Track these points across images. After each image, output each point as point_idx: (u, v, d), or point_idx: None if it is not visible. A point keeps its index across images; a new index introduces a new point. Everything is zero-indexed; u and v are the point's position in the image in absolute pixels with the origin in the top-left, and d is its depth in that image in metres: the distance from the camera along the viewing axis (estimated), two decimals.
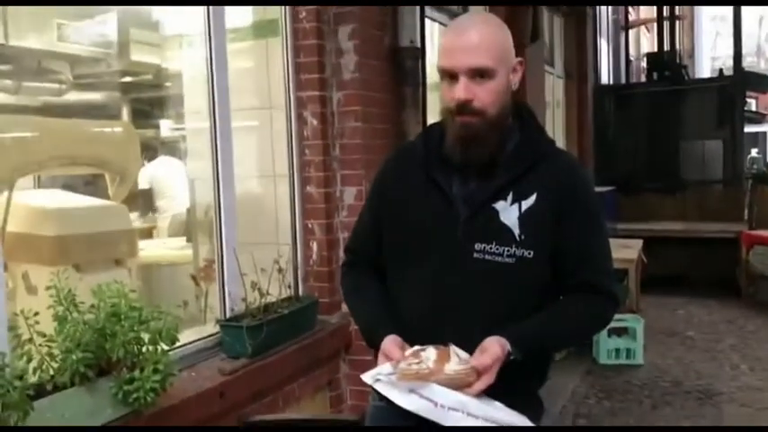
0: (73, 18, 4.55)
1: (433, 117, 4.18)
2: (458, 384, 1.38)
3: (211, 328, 2.90)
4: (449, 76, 1.55)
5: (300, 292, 3.31)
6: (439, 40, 4.94)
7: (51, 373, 1.93)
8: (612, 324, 5.35)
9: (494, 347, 1.44)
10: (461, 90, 1.52)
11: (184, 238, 4.44)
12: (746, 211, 8.29)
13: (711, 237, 7.94)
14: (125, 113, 5.49)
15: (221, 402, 2.46)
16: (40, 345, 1.91)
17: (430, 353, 1.41)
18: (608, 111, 9.72)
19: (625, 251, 6.22)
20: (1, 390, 1.60)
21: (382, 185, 1.77)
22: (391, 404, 1.62)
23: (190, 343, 2.65)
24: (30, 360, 1.87)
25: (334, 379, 3.32)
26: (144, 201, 5.48)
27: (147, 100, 5.74)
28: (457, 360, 1.40)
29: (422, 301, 1.59)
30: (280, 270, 2.98)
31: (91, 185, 4.67)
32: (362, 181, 3.34)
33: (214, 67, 2.88)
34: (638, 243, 6.79)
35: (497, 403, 1.41)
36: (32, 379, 1.85)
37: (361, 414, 2.64)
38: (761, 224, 7.86)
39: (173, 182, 5.34)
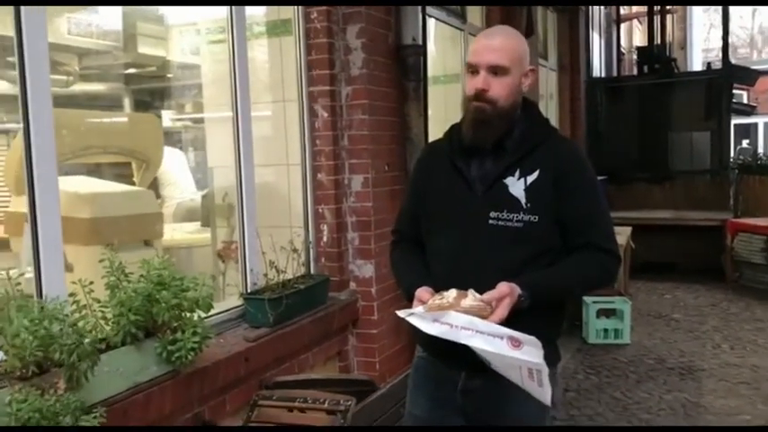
0: (83, 11, 4.75)
1: (433, 109, 4.47)
2: (473, 316, 1.68)
3: (229, 303, 3.18)
4: (472, 70, 1.89)
5: (312, 271, 3.59)
6: (438, 37, 5.23)
7: (103, 335, 2.21)
8: (601, 306, 5.69)
9: (502, 286, 1.75)
10: (480, 80, 1.87)
11: (198, 222, 4.70)
12: (732, 200, 8.59)
13: (698, 225, 8.27)
14: (128, 104, 5.66)
15: (246, 365, 2.75)
16: (94, 310, 2.19)
17: (451, 292, 1.74)
18: (599, 103, 10.00)
19: None
20: (75, 343, 1.88)
21: (417, 176, 2.14)
22: (430, 351, 2.03)
23: (216, 314, 2.93)
24: (86, 323, 2.15)
25: (343, 350, 3.60)
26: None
27: (154, 91, 5.94)
28: (472, 297, 1.72)
29: (450, 261, 1.93)
30: (294, 250, 3.27)
31: (95, 173, 4.92)
32: (368, 169, 3.62)
33: (236, 63, 3.15)
34: (627, 230, 7.10)
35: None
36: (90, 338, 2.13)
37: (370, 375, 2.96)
38: (745, 212, 8.18)
39: (174, 170, 5.56)
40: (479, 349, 1.65)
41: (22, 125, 2.21)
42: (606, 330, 5.74)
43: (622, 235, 6.80)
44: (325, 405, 2.48)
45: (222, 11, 3.22)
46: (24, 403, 1.76)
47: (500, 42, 1.89)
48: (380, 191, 3.70)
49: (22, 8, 2.18)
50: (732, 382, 4.74)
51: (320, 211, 3.65)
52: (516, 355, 1.63)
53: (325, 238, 3.64)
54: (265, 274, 3.09)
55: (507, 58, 1.87)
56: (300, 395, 2.55)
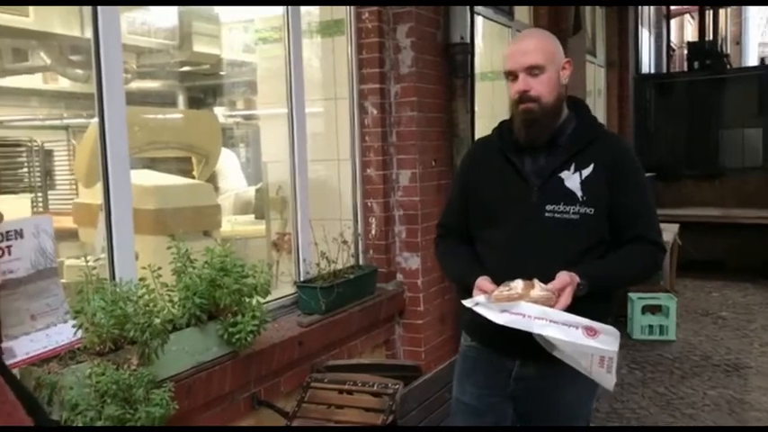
0: (140, 11, 4.93)
1: (480, 106, 4.56)
2: (541, 305, 1.76)
3: (283, 291, 3.34)
4: (511, 76, 1.99)
5: (361, 263, 3.72)
6: (485, 34, 5.30)
7: (170, 317, 2.38)
8: (647, 302, 5.70)
9: (563, 276, 1.84)
10: (520, 83, 1.97)
11: (252, 215, 4.89)
12: None
13: (749, 223, 8.16)
14: (182, 101, 5.82)
15: (300, 349, 2.90)
16: (161, 294, 2.35)
17: (518, 283, 1.81)
18: (648, 99, 9.91)
19: None
20: (147, 322, 2.05)
21: (467, 169, 2.21)
22: (481, 340, 2.11)
23: (271, 300, 3.08)
24: (155, 306, 2.32)
25: (390, 339, 3.73)
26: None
27: (208, 88, 6.13)
28: (540, 288, 1.79)
29: (505, 254, 2.01)
30: (344, 242, 3.41)
31: (153, 167, 5.14)
32: (416, 164, 3.74)
33: (292, 61, 3.31)
34: (674, 227, 7.07)
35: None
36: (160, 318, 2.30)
37: (417, 361, 3.07)
38: None
39: (226, 165, 5.77)
40: (552, 338, 1.72)
41: (97, 120, 2.38)
42: (651, 327, 5.75)
43: (669, 232, 6.77)
44: (374, 388, 2.60)
45: (276, 10, 3.38)
46: (102, 376, 1.93)
47: (530, 44, 1.99)
48: (427, 185, 3.82)
49: (99, 9, 2.34)
50: None
51: (369, 204, 3.77)
52: (592, 343, 1.71)
53: (373, 231, 3.77)
54: (317, 264, 3.24)
55: (541, 57, 1.96)
56: (351, 378, 2.68)
